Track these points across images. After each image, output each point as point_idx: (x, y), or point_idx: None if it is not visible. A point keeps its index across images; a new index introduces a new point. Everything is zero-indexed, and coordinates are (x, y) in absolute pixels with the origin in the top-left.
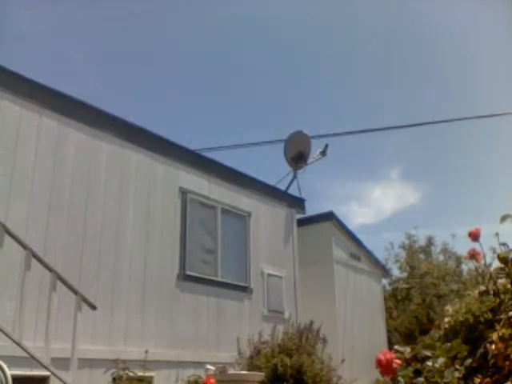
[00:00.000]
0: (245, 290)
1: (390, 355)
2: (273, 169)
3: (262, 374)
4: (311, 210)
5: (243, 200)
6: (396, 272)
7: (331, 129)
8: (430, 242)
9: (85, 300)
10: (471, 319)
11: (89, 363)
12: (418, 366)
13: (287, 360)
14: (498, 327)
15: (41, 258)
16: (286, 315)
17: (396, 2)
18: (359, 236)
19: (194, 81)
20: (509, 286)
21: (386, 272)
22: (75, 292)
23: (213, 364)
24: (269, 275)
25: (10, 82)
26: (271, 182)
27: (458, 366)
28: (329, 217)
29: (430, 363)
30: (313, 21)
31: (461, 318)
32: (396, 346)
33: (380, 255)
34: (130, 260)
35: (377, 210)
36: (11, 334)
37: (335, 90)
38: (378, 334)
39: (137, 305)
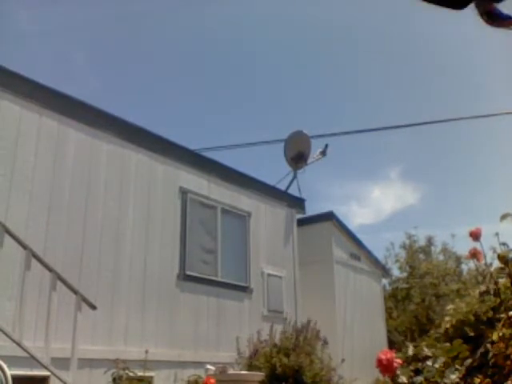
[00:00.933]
0: (245, 290)
1: (391, 355)
2: (273, 169)
3: (262, 373)
4: (311, 210)
5: (243, 200)
6: (396, 272)
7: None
8: (429, 242)
9: (85, 300)
10: (472, 319)
11: (89, 363)
12: (419, 365)
13: (286, 360)
14: (498, 327)
15: (41, 257)
16: (286, 315)
17: (397, 3)
18: (359, 236)
19: (194, 81)
20: (509, 285)
21: (385, 272)
22: (75, 292)
23: (213, 364)
24: (269, 275)
25: (10, 82)
26: (271, 182)
27: (458, 366)
28: (329, 217)
29: (430, 363)
30: (313, 21)
31: (461, 318)
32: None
33: (380, 255)
34: (130, 260)
35: (376, 210)
36: (11, 333)
37: (335, 90)
38: (378, 334)
39: (137, 305)
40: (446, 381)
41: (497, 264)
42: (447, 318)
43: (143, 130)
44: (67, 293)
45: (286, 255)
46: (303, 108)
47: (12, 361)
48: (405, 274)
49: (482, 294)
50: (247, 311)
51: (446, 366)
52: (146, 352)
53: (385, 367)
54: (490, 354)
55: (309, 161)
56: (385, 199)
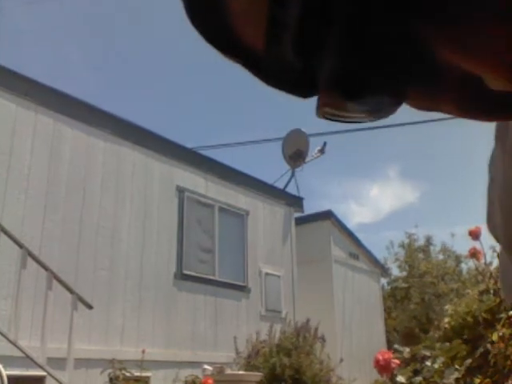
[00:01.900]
0: (242, 289)
1: (388, 355)
2: (271, 167)
3: (260, 374)
4: (309, 208)
5: (241, 198)
6: (395, 271)
7: (329, 127)
8: (428, 241)
9: (81, 299)
10: (470, 321)
11: (85, 363)
12: (417, 365)
13: (286, 360)
14: (498, 327)
15: (37, 256)
16: (284, 315)
17: None
18: (357, 235)
19: (193, 79)
20: None
21: (384, 271)
22: (71, 291)
23: (210, 364)
24: (266, 274)
25: (5, 80)
26: (269, 180)
27: (457, 366)
28: (327, 215)
29: (429, 363)
30: None
31: (460, 318)
32: (395, 346)
33: (379, 254)
34: (126, 259)
35: (375, 209)
36: (7, 333)
37: None
38: (377, 334)
39: (133, 304)
40: (445, 381)
41: (497, 263)
42: (446, 320)
43: (140, 128)
44: (63, 292)
45: (284, 254)
46: (302, 106)
47: (8, 361)
48: (404, 274)
49: (481, 293)
50: (245, 311)
51: (446, 366)
52: (143, 352)
53: (382, 367)
54: (490, 354)
55: (307, 159)
56: (383, 198)
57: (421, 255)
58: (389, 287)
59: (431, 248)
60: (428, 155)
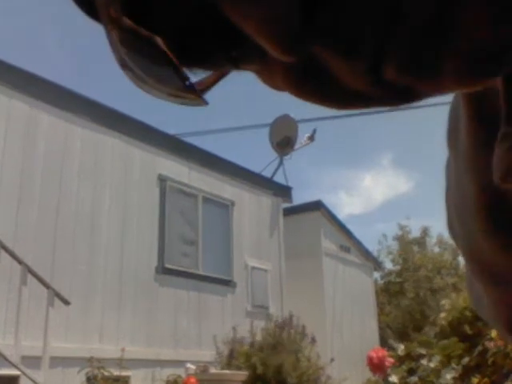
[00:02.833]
0: (227, 283)
1: (382, 353)
2: (257, 155)
3: (245, 373)
4: (298, 198)
5: (226, 188)
6: (388, 265)
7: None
8: (424, 232)
9: (57, 294)
10: (469, 315)
11: (61, 362)
12: (413, 364)
13: (267, 359)
14: None
15: (10, 249)
16: (272, 310)
17: None
18: (349, 227)
19: None
20: None
21: (377, 265)
22: (47, 286)
23: (193, 363)
24: (253, 268)
25: None
26: (256, 169)
27: (454, 365)
28: (317, 206)
29: (424, 362)
30: None
31: (458, 314)
32: (390, 341)
33: (371, 247)
34: (105, 252)
35: (367, 199)
36: None
37: None
38: (370, 331)
39: (113, 300)
40: (441, 381)
41: None
42: (442, 315)
43: (120, 115)
44: (39, 287)
45: (271, 247)
46: None
47: None
48: (398, 267)
49: None
50: (230, 307)
51: (442, 365)
52: (123, 350)
53: (376, 366)
54: (489, 353)
55: (296, 146)
56: (376, 187)
57: (416, 248)
58: (382, 281)
59: (427, 240)
60: (423, 142)
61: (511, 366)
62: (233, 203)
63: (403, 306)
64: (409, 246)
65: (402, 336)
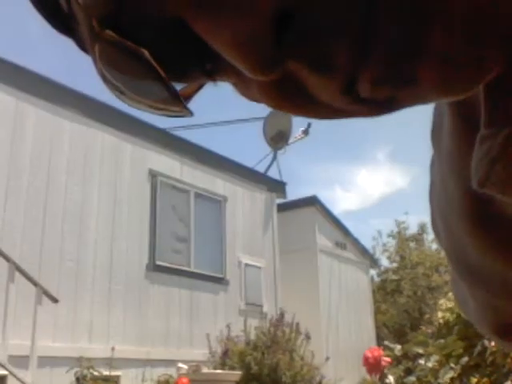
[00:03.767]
0: (220, 281)
1: (378, 352)
2: (251, 150)
3: (239, 373)
4: (292, 194)
5: (218, 183)
6: (385, 262)
7: None
8: (422, 229)
9: (45, 292)
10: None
11: (50, 361)
12: (410, 364)
13: (262, 358)
14: None
15: None
16: (265, 309)
17: None
18: (344, 223)
19: None
20: None
21: (374, 262)
22: (35, 283)
23: (185, 362)
24: (246, 265)
25: None
26: (249, 163)
27: (453, 365)
28: (312, 202)
29: (422, 361)
30: None
31: (456, 312)
32: (386, 342)
33: (367, 243)
34: (94, 249)
35: (363, 195)
36: None
37: None
38: (366, 330)
39: (102, 298)
40: (440, 381)
41: None
42: (440, 314)
43: (110, 108)
44: (26, 284)
45: (265, 243)
46: None
47: None
48: (394, 265)
49: None
50: (223, 305)
51: (440, 364)
52: (113, 349)
53: (372, 366)
54: (488, 352)
55: (290, 141)
56: (372, 182)
57: (413, 244)
58: (378, 279)
59: (424, 236)
60: (420, 136)
61: (511, 365)
62: (225, 199)
63: (400, 304)
64: (406, 243)
65: (399, 335)
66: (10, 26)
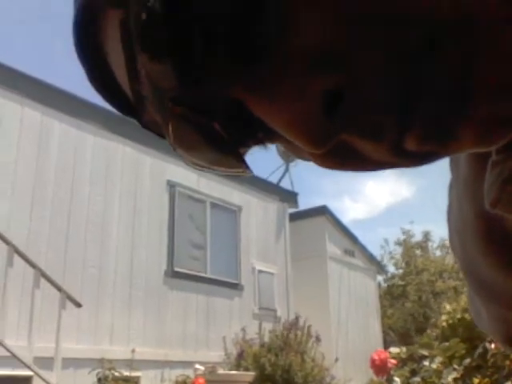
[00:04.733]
0: (235, 287)
1: (385, 355)
2: (264, 161)
3: (253, 373)
4: (303, 204)
5: (233, 194)
6: (391, 269)
7: None
8: (426, 237)
9: (69, 297)
10: (469, 316)
11: (73, 363)
12: (415, 365)
13: (275, 359)
14: None
15: (23, 253)
16: (278, 313)
17: None
18: (353, 231)
19: None
20: None
21: (381, 268)
22: (59, 289)
23: (202, 364)
24: (260, 272)
25: None
26: (263, 175)
27: (456, 366)
28: (322, 211)
29: (427, 363)
30: None
31: (458, 316)
32: (391, 348)
33: (374, 251)
34: (115, 256)
35: (370, 205)
36: None
37: None
38: (373, 333)
39: (123, 302)
40: (443, 381)
41: None
42: (443, 317)
43: (130, 122)
44: (51, 290)
45: (277, 251)
46: None
47: None
48: (400, 271)
49: None
50: (237, 309)
51: (444, 365)
52: (133, 351)
53: (378, 368)
54: (489, 354)
55: None
56: (379, 193)
57: (418, 252)
58: (385, 285)
59: (429, 244)
60: None
61: (511, 366)
62: (240, 208)
63: (406, 309)
64: (411, 250)
65: (405, 338)
66: (35, 45)
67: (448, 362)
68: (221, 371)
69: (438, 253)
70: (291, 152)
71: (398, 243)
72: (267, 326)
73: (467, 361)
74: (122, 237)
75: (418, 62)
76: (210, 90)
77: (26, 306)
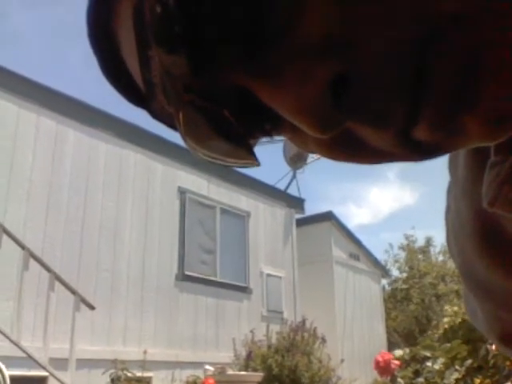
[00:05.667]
0: (244, 290)
1: (388, 356)
2: (272, 169)
3: (261, 374)
4: (309, 210)
5: (242, 200)
6: (395, 272)
7: None
8: (428, 242)
9: (83, 300)
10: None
11: (87, 363)
12: (418, 366)
13: (282, 360)
14: None
15: (39, 258)
16: (285, 315)
17: None
18: (358, 236)
19: None
20: None
21: (385, 272)
22: (73, 292)
23: (212, 364)
24: (268, 275)
25: (7, 82)
26: (270, 181)
27: (458, 367)
28: (328, 217)
29: (429, 364)
30: None
31: (460, 319)
32: (396, 351)
33: (378, 255)
34: (128, 260)
35: (374, 211)
36: (9, 334)
37: None
38: (377, 335)
39: (135, 305)
40: (445, 381)
41: None
42: (446, 319)
43: (142, 130)
44: (65, 293)
45: (285, 255)
46: None
47: (10, 361)
48: (404, 275)
49: None
50: (246, 311)
51: (446, 366)
52: (145, 352)
53: (382, 369)
54: (490, 355)
55: (308, 161)
56: (383, 199)
57: (421, 256)
58: (389, 288)
59: (431, 249)
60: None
61: (511, 367)
62: (249, 214)
63: (409, 311)
64: (414, 254)
65: (409, 339)
66: (50, 55)
67: (450, 363)
68: (230, 372)
69: (440, 257)
70: (297, 144)
71: (402, 248)
72: (275, 328)
73: (469, 362)
74: (134, 241)
75: (423, 50)
76: (222, 78)
77: (42, 309)
